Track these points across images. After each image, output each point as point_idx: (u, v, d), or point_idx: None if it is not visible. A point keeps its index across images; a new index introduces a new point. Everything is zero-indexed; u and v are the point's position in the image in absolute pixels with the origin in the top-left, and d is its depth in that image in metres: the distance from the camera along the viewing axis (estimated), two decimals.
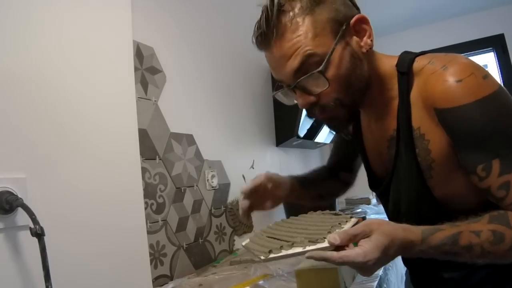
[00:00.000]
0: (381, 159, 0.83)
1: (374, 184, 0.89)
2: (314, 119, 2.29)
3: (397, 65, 0.73)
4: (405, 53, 0.76)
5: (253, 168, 2.02)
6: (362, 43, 0.70)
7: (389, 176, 0.79)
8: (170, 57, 1.53)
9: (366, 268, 0.59)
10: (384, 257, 0.59)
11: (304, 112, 2.18)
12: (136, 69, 1.32)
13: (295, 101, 0.76)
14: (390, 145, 0.77)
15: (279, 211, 2.04)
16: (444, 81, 0.64)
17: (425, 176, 0.71)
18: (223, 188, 1.75)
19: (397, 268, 1.37)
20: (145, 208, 1.26)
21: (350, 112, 0.74)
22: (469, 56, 2.38)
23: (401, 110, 0.72)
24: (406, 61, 0.72)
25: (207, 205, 1.63)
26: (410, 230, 0.63)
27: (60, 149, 0.93)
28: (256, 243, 0.70)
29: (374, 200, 2.65)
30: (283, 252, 0.60)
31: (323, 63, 0.66)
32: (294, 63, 0.67)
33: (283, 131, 2.27)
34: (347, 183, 1.11)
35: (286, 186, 0.93)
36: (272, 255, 0.60)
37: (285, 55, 0.67)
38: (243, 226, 1.83)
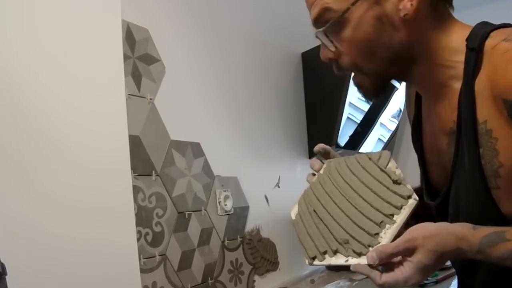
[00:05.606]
0: (440, 161, 0.83)
1: (431, 195, 0.89)
2: (357, 127, 2.29)
3: (467, 39, 0.74)
4: (482, 24, 0.76)
5: (278, 186, 2.00)
6: (400, 6, 0.73)
7: (448, 184, 0.80)
8: (170, 42, 1.53)
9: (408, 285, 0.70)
10: (430, 273, 0.70)
11: (345, 115, 2.17)
12: (126, 57, 1.31)
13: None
14: (450, 141, 0.78)
15: None
16: None
17: (489, 185, 0.71)
18: (240, 213, 1.74)
19: None
20: (138, 239, 1.26)
21: (375, 83, 0.81)
22: None
23: (464, 97, 0.72)
24: (479, 35, 0.72)
25: (219, 235, 1.62)
26: (466, 239, 0.68)
27: (28, 162, 0.93)
28: (303, 220, 0.90)
29: None
30: (326, 261, 0.82)
31: (329, 22, 0.75)
32: (313, 12, 0.78)
33: (318, 138, 2.21)
34: None
35: None
36: (316, 262, 0.83)
37: (310, 1, 0.79)
38: (266, 262, 1.80)
